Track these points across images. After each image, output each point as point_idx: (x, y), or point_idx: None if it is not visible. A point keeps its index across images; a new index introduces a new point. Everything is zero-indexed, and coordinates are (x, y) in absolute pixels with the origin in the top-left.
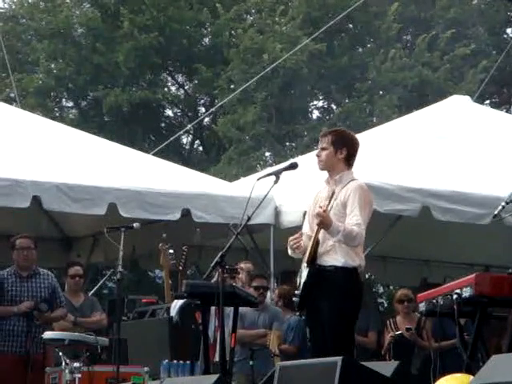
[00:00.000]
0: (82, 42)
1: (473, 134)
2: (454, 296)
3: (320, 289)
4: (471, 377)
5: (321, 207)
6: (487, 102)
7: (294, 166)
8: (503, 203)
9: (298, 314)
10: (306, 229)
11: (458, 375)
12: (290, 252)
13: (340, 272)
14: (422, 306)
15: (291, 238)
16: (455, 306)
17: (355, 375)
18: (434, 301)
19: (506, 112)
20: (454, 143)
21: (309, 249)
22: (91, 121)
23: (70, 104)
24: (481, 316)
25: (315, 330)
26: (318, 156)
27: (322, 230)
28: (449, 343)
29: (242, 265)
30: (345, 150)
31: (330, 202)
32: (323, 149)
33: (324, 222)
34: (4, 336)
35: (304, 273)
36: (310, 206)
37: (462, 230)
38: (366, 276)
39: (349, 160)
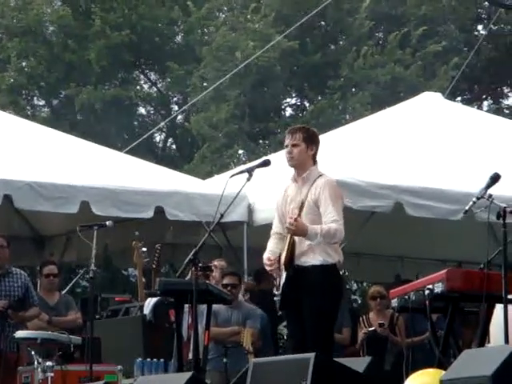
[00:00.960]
0: (54, 40)
1: (445, 131)
2: (426, 291)
3: (300, 288)
4: (443, 372)
5: (291, 217)
6: (459, 98)
7: (266, 163)
8: (474, 199)
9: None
10: (277, 228)
11: (430, 370)
12: (266, 267)
13: (319, 270)
14: (395, 302)
15: (266, 263)
16: (427, 302)
17: (328, 371)
18: (406, 297)
19: (478, 108)
20: (426, 140)
21: (285, 251)
22: (63, 119)
23: (42, 102)
24: (452, 311)
25: (294, 326)
26: (289, 153)
27: None
28: (420, 339)
29: (216, 262)
30: (314, 147)
31: (301, 208)
32: (294, 145)
33: (298, 231)
34: None
35: (283, 275)
36: (279, 204)
37: (435, 226)
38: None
39: (315, 157)
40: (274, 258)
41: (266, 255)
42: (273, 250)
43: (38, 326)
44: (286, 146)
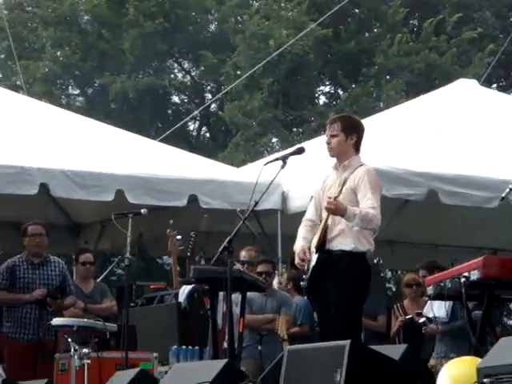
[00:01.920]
0: (88, 29)
1: (480, 118)
2: (462, 279)
3: (328, 273)
4: (479, 359)
5: (329, 198)
6: (494, 85)
7: (300, 151)
8: (510, 186)
9: (306, 298)
10: (309, 215)
11: (467, 358)
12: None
13: (348, 256)
14: (431, 290)
15: (301, 256)
16: (463, 289)
17: (363, 359)
18: (442, 284)
19: None
20: (461, 127)
21: (318, 234)
22: (98, 108)
23: (77, 91)
24: (489, 298)
25: (323, 314)
26: (328, 143)
27: (331, 216)
28: (455, 326)
29: (244, 252)
30: (355, 136)
31: (341, 190)
32: (333, 136)
33: (337, 210)
34: (16, 323)
35: (313, 257)
36: (318, 191)
37: (470, 213)
38: (374, 261)
39: (357, 145)
40: (307, 257)
41: (298, 243)
42: (306, 237)
43: (73, 313)
44: (327, 136)
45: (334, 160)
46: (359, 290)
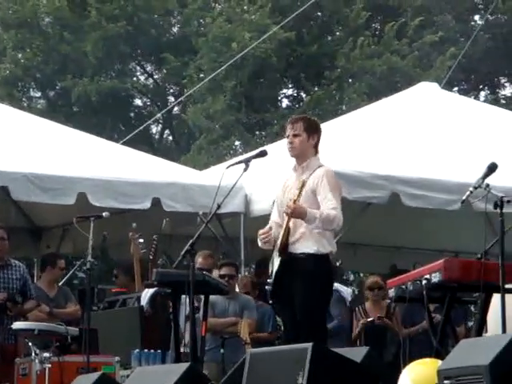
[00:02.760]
0: (50, 32)
1: (441, 121)
2: (424, 281)
3: (292, 276)
4: (440, 361)
5: (290, 200)
6: (455, 88)
7: (263, 154)
8: (471, 188)
9: (270, 302)
10: (274, 217)
11: (428, 360)
12: (259, 244)
13: (311, 259)
14: (392, 292)
15: (261, 231)
16: (424, 292)
17: (326, 361)
18: (404, 286)
19: (474, 99)
20: (423, 130)
21: (280, 237)
22: (59, 111)
23: (38, 94)
24: (450, 301)
25: (288, 317)
26: (290, 143)
27: (292, 219)
28: (416, 328)
29: (201, 259)
30: (316, 137)
31: (300, 193)
32: (295, 135)
33: (297, 213)
34: None
35: (276, 261)
36: (279, 194)
37: (432, 216)
38: (337, 263)
39: (317, 146)
40: (268, 230)
41: (260, 231)
42: (266, 228)
43: (38, 317)
44: (287, 136)
45: (294, 162)
46: (323, 291)
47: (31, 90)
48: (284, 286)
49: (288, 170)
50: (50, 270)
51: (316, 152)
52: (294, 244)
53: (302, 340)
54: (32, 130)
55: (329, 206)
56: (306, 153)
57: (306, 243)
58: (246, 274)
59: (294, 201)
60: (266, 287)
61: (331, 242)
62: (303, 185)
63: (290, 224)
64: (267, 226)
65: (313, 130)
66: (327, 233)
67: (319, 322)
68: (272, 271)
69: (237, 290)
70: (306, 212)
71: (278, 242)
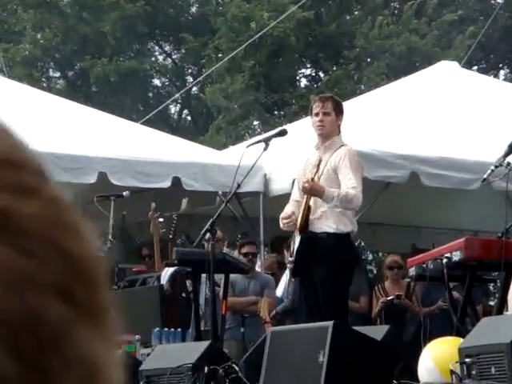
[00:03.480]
0: (68, 12)
1: (461, 100)
2: (444, 260)
3: (313, 255)
4: (461, 339)
5: (307, 178)
6: (475, 67)
7: (283, 133)
8: (492, 167)
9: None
10: (295, 195)
11: (449, 338)
12: (281, 226)
13: (332, 238)
14: (412, 271)
15: (283, 216)
16: (445, 270)
17: (346, 339)
18: (424, 265)
19: (494, 77)
20: (442, 109)
21: (300, 216)
22: (79, 91)
23: (57, 74)
24: (470, 279)
25: (309, 295)
26: (321, 121)
27: (312, 198)
28: (434, 307)
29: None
30: (341, 118)
31: (317, 171)
32: (326, 113)
33: (314, 192)
34: None
35: (297, 239)
36: (299, 172)
37: (451, 195)
38: (356, 243)
39: (340, 127)
40: (291, 213)
41: (282, 214)
42: (289, 210)
43: None
44: (317, 114)
45: (315, 141)
46: (345, 270)
47: (50, 70)
48: (306, 264)
49: (308, 150)
50: None
51: (339, 132)
52: (315, 222)
53: (323, 318)
54: (51, 109)
55: (349, 185)
56: (332, 132)
57: (327, 222)
58: (267, 254)
59: (312, 179)
60: (288, 265)
61: (352, 221)
62: (320, 162)
63: (311, 202)
64: (288, 208)
65: (340, 111)
66: (348, 212)
67: (340, 300)
68: (293, 249)
69: (258, 269)
70: (324, 190)
71: (298, 220)
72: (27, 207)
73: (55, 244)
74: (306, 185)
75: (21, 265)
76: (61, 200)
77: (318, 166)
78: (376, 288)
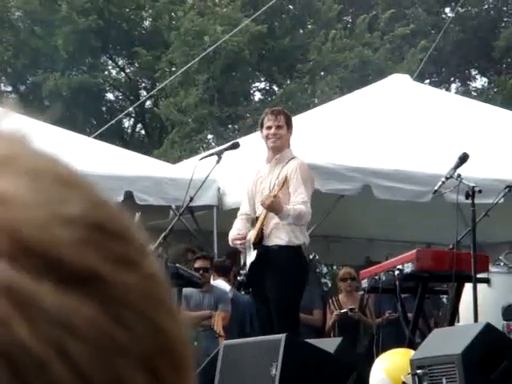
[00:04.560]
0: (20, 26)
1: (413, 113)
2: (396, 272)
3: (266, 268)
4: (413, 351)
5: (270, 191)
6: (427, 81)
7: (235, 146)
8: (443, 179)
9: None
10: (245, 209)
11: (400, 350)
12: (231, 244)
13: (284, 250)
14: (365, 283)
15: (234, 237)
16: (397, 282)
17: (299, 352)
18: (377, 277)
19: (446, 91)
20: (395, 122)
21: (256, 230)
22: (31, 105)
23: (9, 88)
24: (422, 291)
25: (261, 308)
26: (274, 134)
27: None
28: (385, 318)
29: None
30: (291, 131)
31: (282, 187)
32: (279, 127)
33: (275, 208)
34: None
35: (250, 253)
36: (250, 186)
37: (404, 208)
38: (310, 256)
39: (289, 139)
40: (244, 233)
41: (233, 232)
42: (240, 229)
43: None
44: (269, 128)
45: (266, 154)
46: (296, 282)
47: (2, 84)
48: (258, 277)
49: (261, 163)
50: None
51: (289, 145)
52: (268, 236)
53: (275, 331)
54: (2, 124)
55: (299, 199)
56: (284, 145)
57: (279, 234)
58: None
59: (275, 195)
60: (239, 278)
61: (304, 234)
62: (286, 180)
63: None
64: (238, 225)
65: (290, 124)
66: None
67: (292, 313)
68: (245, 262)
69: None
70: (283, 208)
71: (251, 234)
72: (127, 279)
73: (150, 319)
74: (270, 200)
75: (114, 333)
76: (158, 276)
77: (283, 184)
78: (330, 301)
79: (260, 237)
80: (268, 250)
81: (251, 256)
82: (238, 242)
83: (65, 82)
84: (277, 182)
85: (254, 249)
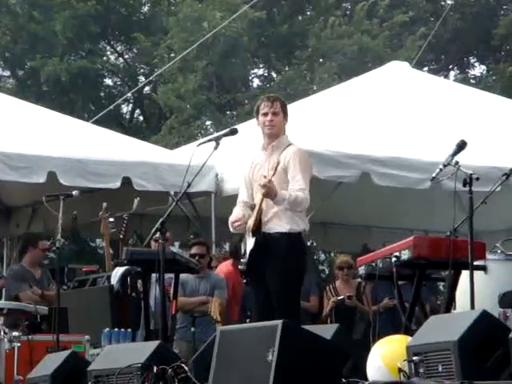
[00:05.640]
0: (19, 11)
1: (411, 100)
2: (393, 258)
3: (266, 255)
4: (409, 338)
5: (265, 177)
6: (426, 68)
7: (233, 132)
8: (441, 166)
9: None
10: (243, 197)
11: (397, 336)
12: (231, 229)
13: (285, 237)
14: (362, 270)
15: (232, 219)
16: (394, 269)
17: (295, 338)
18: (374, 264)
19: (444, 78)
20: (393, 109)
21: (253, 218)
22: (29, 90)
23: (8, 73)
24: (419, 278)
25: (261, 296)
26: (271, 121)
27: (265, 200)
28: (381, 305)
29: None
30: (287, 117)
31: (274, 173)
32: (275, 113)
33: (270, 193)
34: None
35: (249, 241)
36: (246, 173)
37: (402, 195)
38: (308, 243)
39: (285, 126)
40: (241, 217)
41: (232, 217)
42: (239, 214)
43: (31, 298)
44: (265, 114)
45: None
46: (297, 269)
47: (0, 69)
48: (258, 265)
49: (256, 150)
50: (31, 250)
51: (285, 131)
52: (268, 223)
53: (275, 318)
54: (1, 108)
55: (296, 186)
56: (280, 132)
57: (280, 222)
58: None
59: (270, 180)
60: (240, 267)
61: (304, 220)
62: (277, 165)
63: (263, 205)
64: (237, 211)
65: (286, 111)
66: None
67: (293, 300)
68: (245, 250)
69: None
70: (277, 193)
71: (250, 222)
72: None
73: None
74: (267, 182)
75: None
76: None
77: (276, 168)
78: (327, 288)
79: (258, 224)
80: (268, 237)
81: (250, 244)
82: (237, 223)
83: (63, 67)
84: (272, 166)
85: (253, 236)
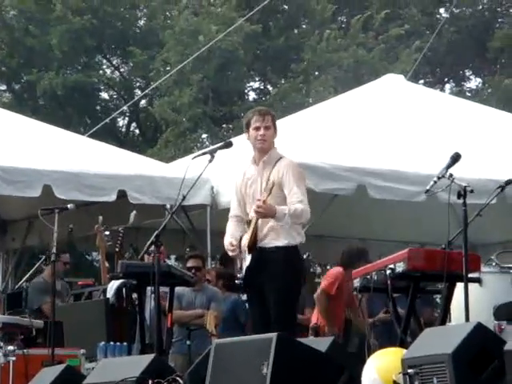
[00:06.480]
0: (15, 25)
1: (407, 113)
2: (388, 271)
3: (264, 270)
4: (404, 350)
5: (259, 200)
6: (421, 81)
7: (228, 145)
8: (435, 178)
9: (243, 298)
10: (235, 211)
11: (392, 349)
12: (229, 254)
13: (282, 251)
14: (357, 282)
15: (228, 246)
16: (389, 281)
17: (290, 351)
18: (368, 276)
19: (440, 91)
20: (389, 122)
21: (249, 234)
22: (25, 104)
23: (4, 87)
24: (414, 290)
25: (256, 310)
26: (262, 135)
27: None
28: (376, 318)
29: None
30: (276, 130)
31: (269, 194)
32: (267, 128)
33: (268, 214)
34: None
35: (247, 257)
36: (239, 186)
37: (398, 208)
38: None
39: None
40: (236, 244)
41: (227, 240)
42: (233, 233)
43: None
44: (257, 129)
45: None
46: (295, 282)
47: None
48: (256, 280)
49: (247, 164)
50: (47, 263)
51: (274, 145)
52: (264, 238)
53: (273, 331)
54: None
55: (294, 199)
56: (270, 146)
57: (276, 236)
58: (213, 266)
59: (264, 201)
60: (237, 281)
61: (300, 233)
62: (273, 186)
63: (259, 221)
64: (231, 229)
65: (275, 124)
66: (296, 225)
67: (290, 313)
68: (241, 266)
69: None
70: (275, 211)
71: (246, 237)
72: None
73: None
74: (261, 209)
75: None
76: None
77: (271, 189)
78: None
79: (254, 241)
80: (265, 251)
81: (247, 261)
82: (232, 253)
83: (59, 80)
84: (267, 186)
85: (249, 253)
